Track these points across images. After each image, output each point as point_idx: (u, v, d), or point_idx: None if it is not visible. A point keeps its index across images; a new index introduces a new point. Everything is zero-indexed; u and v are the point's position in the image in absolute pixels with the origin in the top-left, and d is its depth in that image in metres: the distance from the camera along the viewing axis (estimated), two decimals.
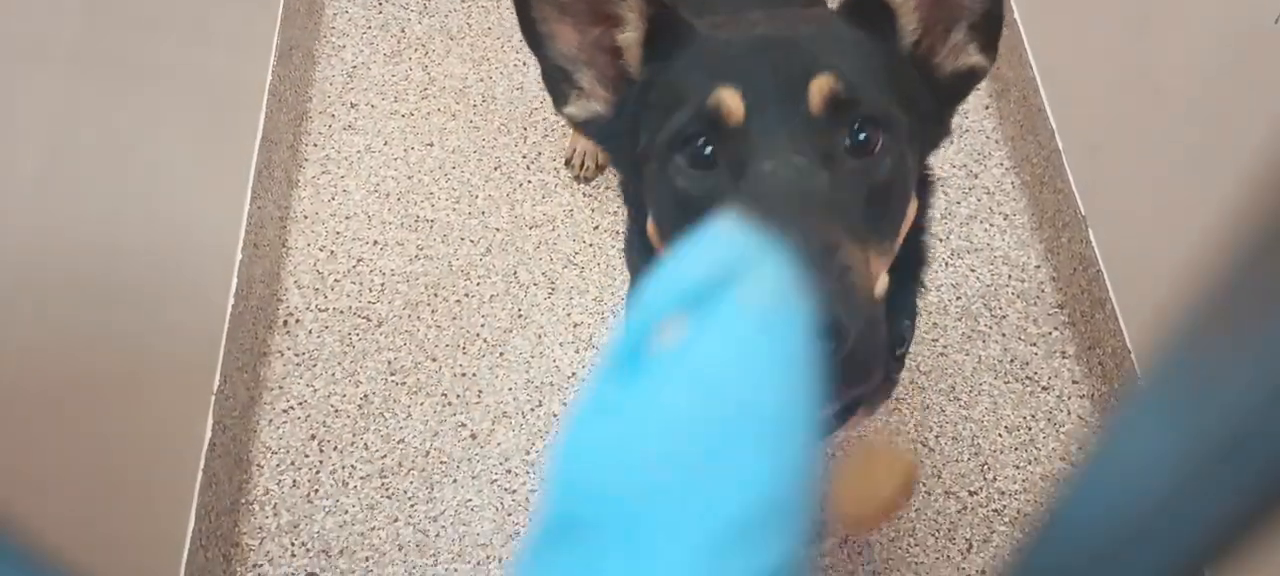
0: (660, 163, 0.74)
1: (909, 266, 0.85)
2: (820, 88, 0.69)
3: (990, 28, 0.78)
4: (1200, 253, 0.15)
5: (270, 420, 1.64)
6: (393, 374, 1.68)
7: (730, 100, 0.69)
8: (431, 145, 1.95)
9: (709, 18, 0.80)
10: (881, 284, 0.71)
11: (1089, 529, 0.20)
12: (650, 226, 0.79)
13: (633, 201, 1.14)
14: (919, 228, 0.84)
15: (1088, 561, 0.19)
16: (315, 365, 1.69)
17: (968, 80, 0.79)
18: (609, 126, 0.82)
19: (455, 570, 1.50)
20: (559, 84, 0.82)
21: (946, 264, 1.79)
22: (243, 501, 1.56)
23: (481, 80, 2.05)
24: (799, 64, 0.70)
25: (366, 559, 1.51)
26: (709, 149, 0.71)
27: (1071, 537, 0.21)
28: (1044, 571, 0.20)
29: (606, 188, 1.89)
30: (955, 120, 0.84)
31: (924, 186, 0.83)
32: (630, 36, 0.78)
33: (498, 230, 1.83)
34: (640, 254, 0.96)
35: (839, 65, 0.70)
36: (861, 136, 0.70)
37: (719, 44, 0.75)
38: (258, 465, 1.59)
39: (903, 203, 0.75)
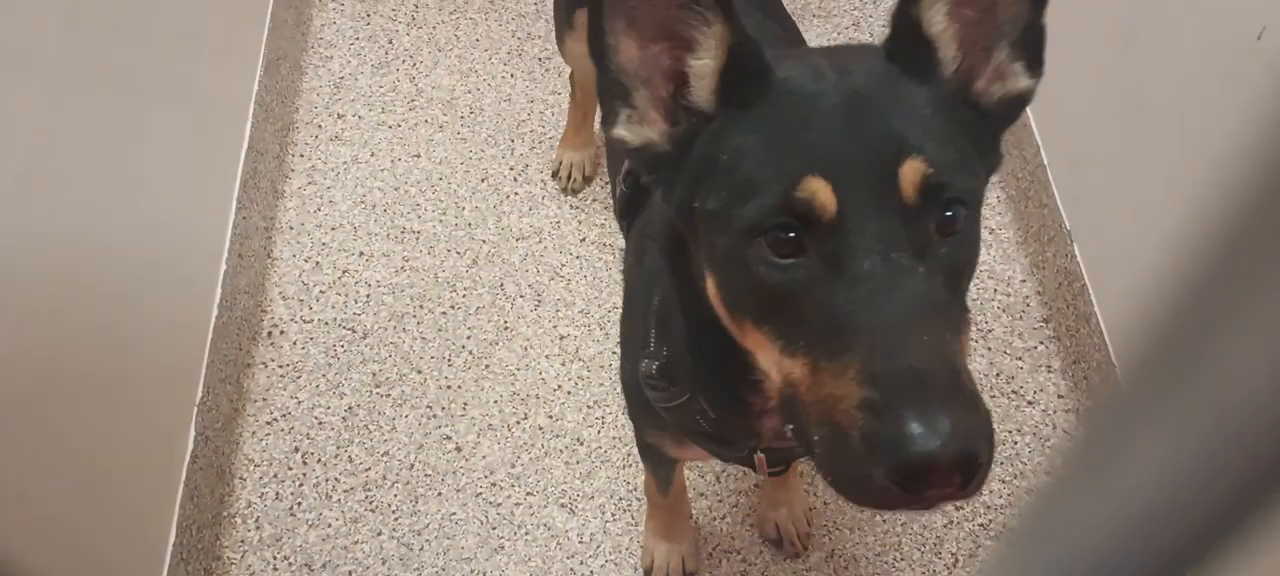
0: (735, 242, 0.70)
1: None
2: (911, 175, 0.66)
3: (1034, 43, 0.74)
4: (1183, 243, 0.15)
5: (253, 432, 1.62)
6: (378, 386, 1.67)
7: (822, 194, 0.66)
8: (418, 156, 1.94)
9: (770, 51, 0.75)
10: None
11: (1074, 536, 0.19)
12: (712, 289, 0.75)
13: (633, 220, 1.11)
14: None
15: (1076, 565, 0.18)
16: (299, 377, 1.68)
17: (1015, 105, 0.75)
18: (664, 159, 0.76)
19: None
20: (614, 101, 0.76)
21: None
22: (225, 514, 1.55)
23: (469, 92, 2.04)
24: (884, 141, 0.68)
25: (350, 573, 1.50)
26: (793, 234, 0.67)
27: (1055, 546, 0.21)
28: None
29: (593, 200, 1.89)
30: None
31: None
32: (706, 64, 0.73)
33: (484, 242, 1.83)
34: (660, 292, 0.93)
35: (923, 142, 0.67)
36: (948, 215, 0.68)
37: (792, 105, 0.71)
38: (240, 478, 1.58)
39: (976, 263, 0.74)
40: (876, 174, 0.67)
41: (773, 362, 0.72)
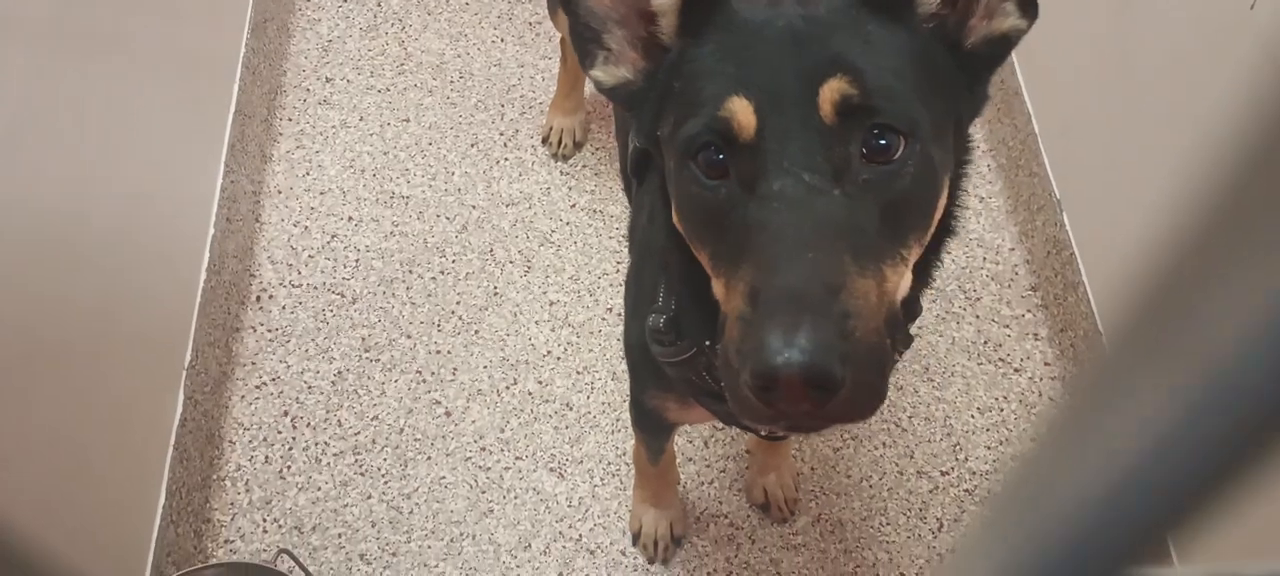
0: (678, 164, 0.72)
1: (933, 245, 0.81)
2: (830, 94, 0.66)
3: None
4: (1170, 207, 0.15)
5: (242, 396, 1.62)
6: (367, 350, 1.67)
7: (742, 114, 0.67)
8: (407, 121, 1.93)
9: None
10: (903, 288, 0.70)
11: (1057, 501, 0.19)
12: (673, 214, 0.77)
13: (643, 179, 1.11)
14: (951, 202, 0.79)
15: (1059, 530, 0.19)
16: (288, 341, 1.68)
17: (1003, 45, 0.75)
18: (637, 95, 0.79)
19: (428, 547, 1.50)
20: (587, 44, 0.79)
21: None
22: (214, 477, 1.55)
23: (459, 56, 2.03)
24: (814, 63, 0.68)
25: (339, 535, 1.50)
26: (722, 156, 0.69)
27: (1041, 508, 0.21)
28: (1012, 542, 0.20)
29: (583, 166, 1.89)
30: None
31: (960, 153, 0.79)
32: (666, 1, 0.75)
33: (474, 207, 1.82)
34: (663, 237, 0.92)
35: (854, 64, 0.67)
36: (880, 142, 0.67)
37: (743, 32, 0.72)
38: (230, 441, 1.58)
39: (929, 204, 0.72)
40: (800, 95, 0.67)
41: (713, 286, 0.73)
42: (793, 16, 0.71)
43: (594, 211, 1.83)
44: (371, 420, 1.60)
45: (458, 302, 1.72)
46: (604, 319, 1.70)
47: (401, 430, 1.59)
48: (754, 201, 0.67)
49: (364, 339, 1.68)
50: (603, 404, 1.62)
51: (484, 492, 1.54)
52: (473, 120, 1.94)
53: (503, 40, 2.05)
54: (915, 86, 0.70)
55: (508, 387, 1.63)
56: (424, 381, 1.64)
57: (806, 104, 0.67)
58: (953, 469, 1.58)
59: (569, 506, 1.53)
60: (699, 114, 0.70)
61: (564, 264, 1.76)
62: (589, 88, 1.90)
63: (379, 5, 2.10)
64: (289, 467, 1.56)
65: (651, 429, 1.29)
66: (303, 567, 1.41)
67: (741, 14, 0.73)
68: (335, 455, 1.57)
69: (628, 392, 1.26)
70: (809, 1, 0.73)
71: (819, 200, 0.65)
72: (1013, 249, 1.81)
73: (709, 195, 0.70)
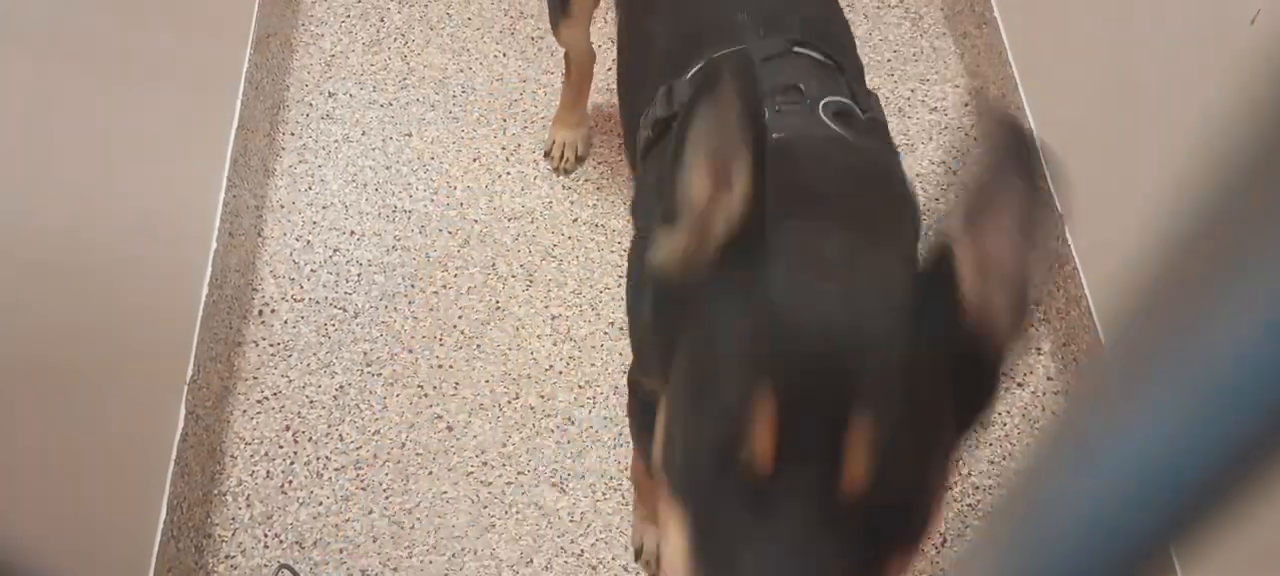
0: (691, 427, 0.68)
1: None
2: (853, 476, 0.63)
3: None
4: (1169, 217, 0.15)
5: (244, 410, 1.62)
6: (369, 365, 1.67)
7: (762, 444, 0.63)
8: (410, 136, 1.94)
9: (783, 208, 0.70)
10: None
11: (1062, 509, 0.19)
12: (660, 431, 0.73)
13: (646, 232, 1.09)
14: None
15: (1062, 542, 0.19)
16: (290, 355, 1.68)
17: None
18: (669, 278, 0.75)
19: (430, 562, 1.49)
20: (659, 218, 0.74)
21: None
22: (216, 492, 1.55)
23: (461, 71, 2.03)
24: (845, 415, 0.63)
25: (340, 550, 1.50)
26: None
27: (1043, 521, 0.21)
28: (1015, 556, 0.20)
29: (586, 180, 1.89)
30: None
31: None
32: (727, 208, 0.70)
33: (476, 222, 1.83)
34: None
35: (891, 438, 0.64)
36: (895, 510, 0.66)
37: (781, 317, 0.67)
38: (231, 456, 1.58)
39: (923, 540, 0.71)
40: (827, 438, 0.63)
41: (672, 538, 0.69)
42: (833, 315, 0.68)
43: (596, 226, 1.83)
44: (373, 435, 1.60)
45: (460, 317, 1.72)
46: (606, 333, 1.70)
47: (403, 444, 1.59)
48: (754, 548, 0.63)
49: (366, 353, 1.68)
50: (605, 418, 1.62)
51: (486, 507, 1.54)
52: (475, 134, 1.94)
53: (505, 55, 2.06)
54: (933, 443, 0.71)
55: (510, 402, 1.63)
56: (426, 395, 1.64)
57: (831, 456, 0.63)
58: (955, 483, 1.57)
59: (571, 521, 1.53)
60: (720, 414, 0.66)
61: (566, 278, 1.76)
62: (592, 102, 1.91)
63: (382, 20, 2.10)
64: (290, 482, 1.56)
65: (646, 420, 1.27)
66: None
67: (783, 270, 0.69)
68: (336, 470, 1.57)
69: (626, 398, 1.25)
70: (850, 266, 0.74)
71: (822, 540, 0.63)
72: None
73: (707, 490, 0.66)
